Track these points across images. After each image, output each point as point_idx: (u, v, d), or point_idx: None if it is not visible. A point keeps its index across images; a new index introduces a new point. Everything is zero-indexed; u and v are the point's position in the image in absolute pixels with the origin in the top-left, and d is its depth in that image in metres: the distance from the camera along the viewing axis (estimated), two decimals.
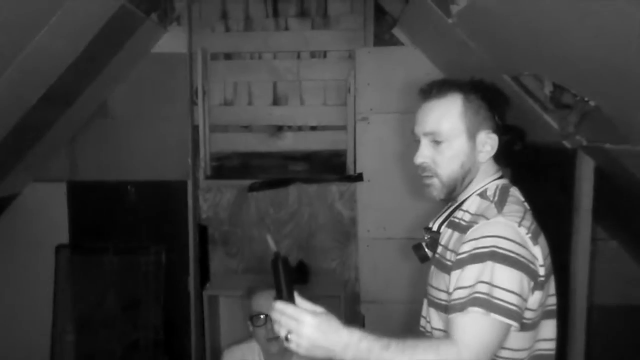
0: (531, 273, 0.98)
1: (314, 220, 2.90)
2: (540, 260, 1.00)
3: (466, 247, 1.00)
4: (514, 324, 0.95)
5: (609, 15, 1.08)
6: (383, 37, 2.80)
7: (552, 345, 1.09)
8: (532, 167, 2.11)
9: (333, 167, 2.92)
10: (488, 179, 1.14)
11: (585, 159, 1.89)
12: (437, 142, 1.12)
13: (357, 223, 2.84)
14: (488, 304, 0.93)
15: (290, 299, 1.01)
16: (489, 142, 1.11)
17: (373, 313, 2.77)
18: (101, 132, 2.78)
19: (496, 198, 1.08)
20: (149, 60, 2.73)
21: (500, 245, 0.96)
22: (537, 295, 1.01)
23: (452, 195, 1.15)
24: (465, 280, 0.97)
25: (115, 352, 2.78)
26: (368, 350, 0.93)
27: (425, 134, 1.14)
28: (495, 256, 0.95)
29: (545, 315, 1.06)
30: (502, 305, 0.93)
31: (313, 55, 2.91)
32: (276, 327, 1.00)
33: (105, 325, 2.79)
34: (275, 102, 2.94)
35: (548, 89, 1.66)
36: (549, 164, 2.08)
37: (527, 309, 0.99)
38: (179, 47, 2.75)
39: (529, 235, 0.99)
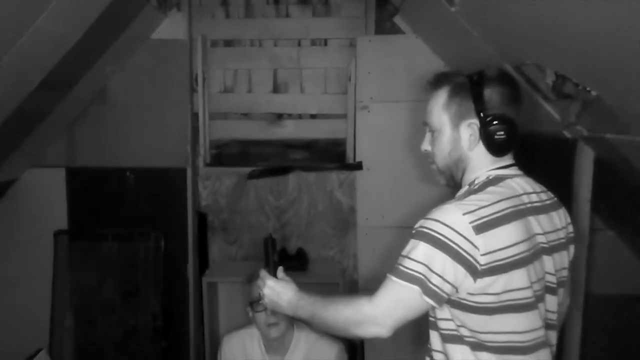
0: (461, 259, 1.03)
1: (313, 208, 2.90)
2: (483, 250, 1.03)
3: (416, 225, 1.11)
4: (416, 287, 1.05)
5: (614, 4, 1.08)
6: (384, 26, 2.79)
7: (520, 337, 1.11)
8: (532, 157, 2.11)
9: (333, 155, 2.92)
10: (483, 169, 1.18)
11: (585, 149, 1.89)
12: (432, 132, 1.23)
13: (356, 211, 2.85)
14: (396, 271, 1.08)
15: (273, 270, 1.35)
16: (470, 131, 1.17)
17: None
18: (100, 118, 2.76)
19: (476, 187, 1.15)
20: (148, 46, 2.72)
21: (432, 227, 1.06)
22: (482, 284, 1.05)
23: (453, 181, 1.23)
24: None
25: (114, 338, 2.80)
26: (303, 306, 1.24)
27: (424, 124, 1.26)
28: (423, 236, 1.06)
29: (509, 308, 1.08)
30: (405, 271, 1.06)
31: (314, 43, 2.89)
32: (256, 289, 1.38)
33: (104, 311, 2.80)
34: (276, 89, 2.93)
35: (550, 79, 1.66)
36: (550, 153, 2.08)
37: (470, 293, 1.06)
38: (179, 34, 2.74)
39: (474, 224, 1.04)
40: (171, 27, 2.73)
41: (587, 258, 1.98)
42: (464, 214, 1.05)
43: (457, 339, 1.12)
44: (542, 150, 2.11)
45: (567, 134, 1.88)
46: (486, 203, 1.08)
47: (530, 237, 1.10)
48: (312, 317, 1.21)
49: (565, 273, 1.23)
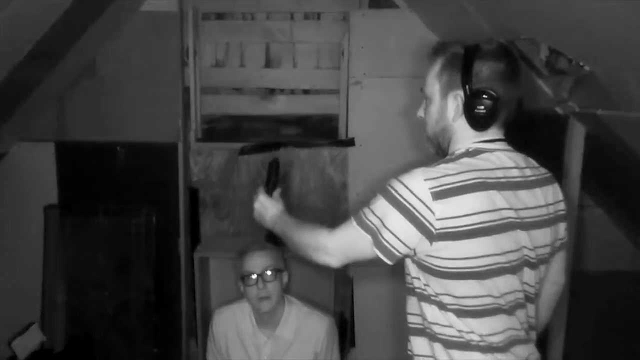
0: (416, 221, 1.09)
1: (304, 184, 2.90)
2: (438, 215, 1.07)
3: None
4: (367, 236, 1.13)
5: None
6: None
7: (475, 302, 1.13)
8: (524, 133, 2.11)
9: (325, 131, 2.91)
10: (467, 141, 1.20)
11: (577, 126, 1.89)
12: (425, 99, 1.26)
13: (347, 187, 2.86)
14: (357, 215, 1.17)
15: (270, 190, 1.49)
16: (455, 103, 1.19)
17: (361, 275, 2.82)
18: (89, 91, 2.72)
19: (452, 157, 1.18)
20: (138, 18, 2.66)
21: (395, 187, 1.12)
22: (437, 247, 1.10)
23: (440, 150, 1.26)
24: None
25: (106, 313, 2.81)
26: (280, 223, 1.39)
27: (421, 91, 1.27)
28: (386, 193, 1.13)
29: (468, 275, 1.11)
30: (363, 219, 1.15)
31: (307, 16, 2.85)
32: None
33: (95, 286, 2.80)
34: (268, 64, 2.90)
35: (544, 54, 1.65)
36: (542, 130, 2.08)
37: (428, 255, 1.12)
38: (170, 6, 2.68)
39: (432, 190, 1.08)
40: None
41: (575, 234, 1.99)
42: (425, 180, 1.09)
43: (426, 298, 1.17)
44: (535, 127, 2.11)
45: (559, 111, 1.88)
46: (452, 172, 1.11)
47: (496, 209, 1.11)
48: (284, 235, 1.36)
49: (547, 250, 1.22)
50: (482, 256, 1.11)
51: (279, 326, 1.91)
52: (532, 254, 1.17)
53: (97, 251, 2.79)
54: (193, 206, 2.92)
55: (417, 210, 1.08)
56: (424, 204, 1.08)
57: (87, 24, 2.38)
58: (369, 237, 1.13)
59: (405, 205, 1.10)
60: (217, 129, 2.96)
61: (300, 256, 1.31)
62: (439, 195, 1.08)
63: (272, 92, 2.92)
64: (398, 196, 1.11)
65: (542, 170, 1.26)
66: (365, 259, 1.18)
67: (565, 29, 1.48)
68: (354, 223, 1.17)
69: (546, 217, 1.21)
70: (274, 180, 1.51)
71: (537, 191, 1.21)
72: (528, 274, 1.18)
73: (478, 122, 1.17)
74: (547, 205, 1.22)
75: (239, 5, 2.84)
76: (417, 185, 1.09)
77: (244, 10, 2.85)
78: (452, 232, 1.08)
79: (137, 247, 2.78)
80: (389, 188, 1.13)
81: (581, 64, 1.54)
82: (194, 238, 2.92)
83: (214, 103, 2.94)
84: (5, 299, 2.76)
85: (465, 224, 1.08)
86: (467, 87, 1.15)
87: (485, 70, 1.14)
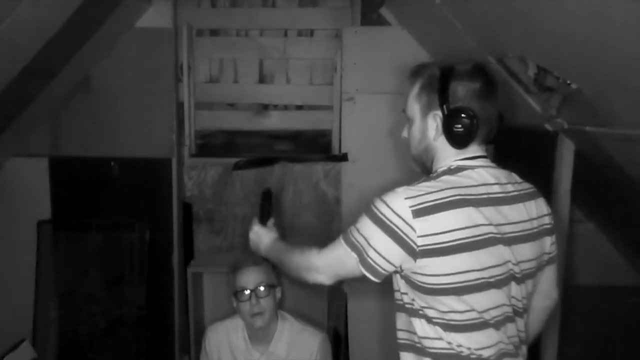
0: (399, 239, 1.12)
1: (298, 199, 2.91)
2: (419, 233, 1.10)
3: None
4: (353, 255, 1.17)
5: None
6: (370, 17, 2.79)
7: (460, 317, 1.15)
8: (514, 149, 2.14)
9: (318, 146, 2.93)
10: (449, 159, 1.22)
11: (566, 142, 1.92)
12: (408, 120, 1.29)
13: (341, 202, 2.87)
14: (345, 234, 1.21)
15: (265, 219, 1.53)
16: (435, 123, 1.21)
17: (355, 290, 2.81)
18: (84, 107, 2.73)
19: (434, 175, 1.21)
20: (133, 34, 2.69)
21: (378, 207, 1.15)
22: (421, 264, 1.12)
23: (425, 168, 1.29)
24: None
25: (98, 329, 2.79)
26: (274, 251, 1.45)
27: (403, 112, 1.30)
28: (370, 213, 1.16)
29: (450, 291, 1.13)
30: (350, 238, 1.19)
31: (300, 33, 2.89)
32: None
33: (88, 301, 2.79)
34: (261, 80, 2.93)
35: (532, 72, 1.68)
36: (531, 146, 2.11)
37: (413, 272, 1.14)
38: (164, 22, 2.71)
39: (413, 209, 1.11)
40: (156, 16, 2.70)
41: (566, 249, 2.01)
42: (406, 198, 1.12)
43: (415, 312, 1.19)
44: (524, 143, 2.13)
45: (548, 127, 1.90)
46: (432, 190, 1.14)
47: (475, 225, 1.12)
48: (279, 261, 1.42)
49: (533, 264, 1.23)
50: (463, 272, 1.12)
51: (272, 342, 1.90)
52: (516, 269, 1.18)
53: (90, 266, 2.78)
54: (187, 221, 2.92)
55: (399, 229, 1.11)
56: (405, 222, 1.11)
57: (83, 40, 2.40)
58: (354, 255, 1.17)
59: (387, 224, 1.13)
60: (211, 144, 2.97)
61: (294, 278, 1.34)
62: (418, 213, 1.11)
63: (265, 107, 2.95)
64: (381, 215, 1.14)
65: (526, 185, 1.27)
66: (354, 277, 1.20)
67: (552, 46, 1.51)
68: (342, 242, 1.20)
69: (530, 232, 1.22)
70: (267, 210, 1.55)
71: (520, 206, 1.22)
72: (515, 289, 1.19)
73: (457, 141, 1.19)
74: (530, 219, 1.23)
75: (233, 22, 2.88)
76: (399, 204, 1.12)
77: (238, 27, 2.88)
78: (433, 248, 1.11)
79: (130, 262, 2.77)
80: (373, 208, 1.16)
81: (568, 81, 1.57)
82: (188, 253, 2.92)
83: (207, 118, 2.95)
84: None
85: (444, 240, 1.11)
86: (444, 107, 1.18)
87: (460, 90, 1.17)
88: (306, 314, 2.12)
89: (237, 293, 1.85)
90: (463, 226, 1.11)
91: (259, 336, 1.90)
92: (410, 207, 1.11)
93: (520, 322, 1.23)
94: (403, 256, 1.12)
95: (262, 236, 1.50)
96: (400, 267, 1.15)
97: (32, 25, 1.88)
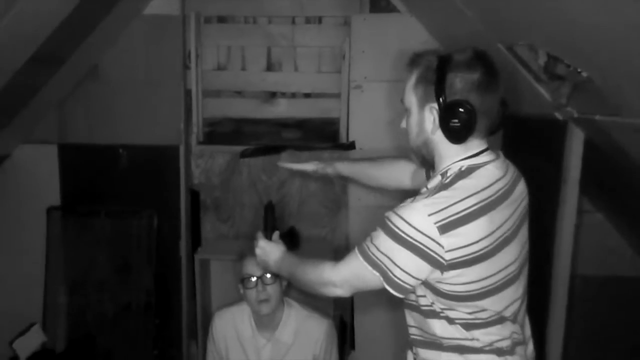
0: (426, 256, 1.08)
1: (305, 188, 2.91)
2: (447, 248, 1.07)
3: (386, 213, 1.15)
4: (375, 273, 1.12)
5: None
6: (379, 4, 2.76)
7: (484, 315, 1.16)
8: (523, 138, 2.12)
9: (326, 134, 2.92)
10: (454, 157, 1.17)
11: (576, 131, 1.89)
12: (406, 111, 1.24)
13: (348, 191, 2.86)
14: (362, 249, 1.15)
15: (269, 234, 1.50)
16: (432, 116, 1.16)
17: None
18: (92, 94, 2.74)
19: (447, 180, 1.14)
20: (140, 22, 2.69)
21: (397, 224, 1.09)
22: (448, 275, 1.10)
23: (426, 163, 1.26)
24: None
25: (107, 315, 2.82)
26: (285, 266, 1.40)
27: (402, 102, 1.25)
28: (389, 231, 1.10)
29: (482, 295, 1.13)
30: (370, 255, 1.13)
31: (308, 20, 2.87)
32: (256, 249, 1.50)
33: (97, 287, 2.82)
34: (269, 67, 2.92)
35: (542, 60, 1.66)
36: (540, 135, 2.09)
37: (438, 282, 1.12)
38: (172, 9, 2.70)
39: (438, 225, 1.06)
40: (164, 2, 2.69)
41: (574, 239, 1.99)
42: (429, 215, 1.07)
43: (435, 314, 1.18)
44: (533, 132, 2.11)
45: (558, 116, 1.88)
46: (453, 201, 1.09)
47: (498, 227, 1.12)
48: (291, 276, 1.38)
49: (526, 247, 1.24)
50: (488, 277, 1.12)
51: (279, 329, 1.92)
52: (521, 259, 1.20)
53: (98, 253, 2.81)
54: (194, 209, 2.93)
55: (425, 246, 1.07)
56: (431, 239, 1.07)
57: (90, 28, 2.40)
58: (378, 274, 1.13)
59: (410, 242, 1.08)
60: (219, 132, 2.97)
61: (308, 292, 1.32)
62: (444, 228, 1.06)
63: (273, 95, 2.94)
64: (401, 233, 1.09)
65: (512, 167, 1.26)
66: (371, 289, 1.18)
67: (562, 33, 1.49)
68: (360, 257, 1.15)
69: (522, 212, 1.23)
70: (271, 223, 1.53)
71: (516, 189, 1.22)
72: (522, 278, 1.21)
73: (454, 136, 1.13)
74: (522, 200, 1.23)
75: (240, 9, 2.86)
76: (422, 221, 1.07)
77: (245, 14, 2.87)
78: (461, 261, 1.08)
79: (138, 248, 2.80)
80: (390, 224, 1.11)
81: (579, 70, 1.55)
82: (195, 240, 2.94)
83: (215, 106, 2.95)
84: (7, 300, 2.78)
85: (472, 251, 1.08)
86: (440, 100, 1.12)
87: (458, 82, 1.11)
88: (312, 302, 2.13)
89: (243, 280, 1.86)
90: (487, 234, 1.10)
91: (265, 323, 1.92)
92: (436, 223, 1.06)
93: (524, 308, 1.25)
94: (430, 270, 1.10)
95: (270, 252, 1.45)
96: (425, 278, 1.13)
97: (39, 13, 1.88)
